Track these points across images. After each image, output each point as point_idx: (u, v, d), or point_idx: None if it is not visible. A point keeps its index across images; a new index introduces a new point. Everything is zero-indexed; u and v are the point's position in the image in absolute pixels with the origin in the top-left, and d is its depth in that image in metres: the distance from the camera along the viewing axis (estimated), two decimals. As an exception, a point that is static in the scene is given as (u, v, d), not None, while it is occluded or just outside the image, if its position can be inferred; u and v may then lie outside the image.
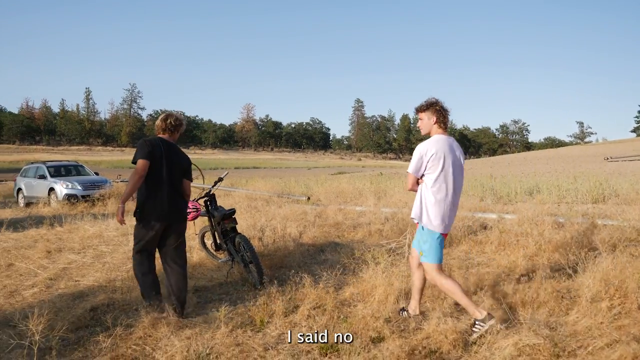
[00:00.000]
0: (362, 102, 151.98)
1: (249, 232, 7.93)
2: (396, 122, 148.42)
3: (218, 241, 6.53)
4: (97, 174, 19.17)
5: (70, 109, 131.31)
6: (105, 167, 55.17)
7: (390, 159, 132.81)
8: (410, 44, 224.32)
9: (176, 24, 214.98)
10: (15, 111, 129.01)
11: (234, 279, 6.05)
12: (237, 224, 6.28)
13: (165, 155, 4.75)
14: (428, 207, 4.23)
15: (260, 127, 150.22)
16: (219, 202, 7.04)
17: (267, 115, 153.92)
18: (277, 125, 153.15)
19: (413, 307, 4.57)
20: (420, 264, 4.44)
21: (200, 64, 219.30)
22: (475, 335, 3.95)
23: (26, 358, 3.71)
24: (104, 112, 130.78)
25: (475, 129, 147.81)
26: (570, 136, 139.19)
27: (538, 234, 6.93)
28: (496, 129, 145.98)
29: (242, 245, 5.86)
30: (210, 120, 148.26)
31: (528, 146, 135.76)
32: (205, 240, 7.12)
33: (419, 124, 4.52)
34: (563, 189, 13.30)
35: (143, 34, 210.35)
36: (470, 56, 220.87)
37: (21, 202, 18.22)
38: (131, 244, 7.63)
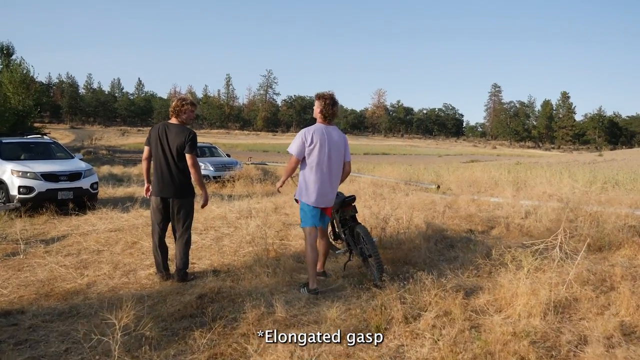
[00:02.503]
0: (499, 87, 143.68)
1: (372, 221, 7.32)
2: (536, 109, 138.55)
3: (337, 230, 6.03)
4: (228, 155, 19.71)
5: (212, 95, 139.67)
6: (240, 150, 57.75)
7: (529, 147, 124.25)
8: (552, 28, 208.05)
9: (308, 8, 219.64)
10: (165, 96, 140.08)
11: (351, 272, 5.50)
12: (357, 212, 5.69)
13: (160, 138, 5.32)
14: (308, 185, 4.96)
15: (390, 112, 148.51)
16: (341, 188, 6.51)
17: (398, 101, 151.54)
18: (408, 111, 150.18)
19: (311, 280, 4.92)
20: (323, 234, 5.34)
21: (333, 49, 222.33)
22: (301, 290, 4.89)
23: (120, 347, 3.42)
24: (242, 97, 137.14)
25: (628, 116, 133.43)
26: None
27: None
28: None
29: (361, 237, 5.27)
30: (341, 106, 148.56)
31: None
32: (324, 228, 6.64)
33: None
34: None
35: (278, 19, 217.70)
36: (620, 35, 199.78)
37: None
38: (249, 227, 7.48)
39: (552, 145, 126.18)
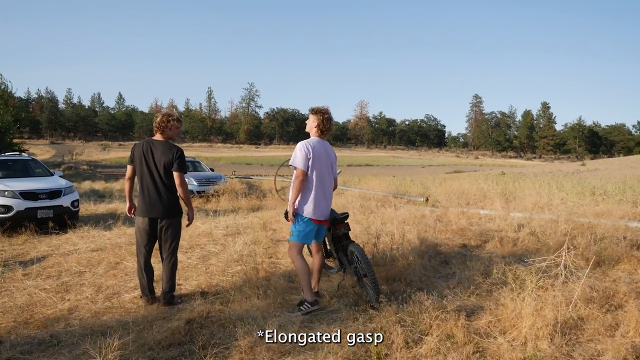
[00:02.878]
0: (480, 98, 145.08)
1: (363, 237, 7.15)
2: (517, 119, 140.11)
3: (328, 247, 5.82)
4: (212, 169, 19.42)
5: (194, 108, 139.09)
6: (223, 163, 57.27)
7: (510, 157, 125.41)
8: (532, 38, 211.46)
9: (290, 21, 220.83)
10: (146, 110, 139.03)
11: (345, 292, 5.29)
12: (350, 230, 5.50)
13: (145, 155, 5.06)
14: (307, 198, 4.89)
15: (373, 124, 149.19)
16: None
17: (380, 112, 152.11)
18: (391, 122, 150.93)
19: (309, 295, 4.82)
20: (319, 249, 5.32)
21: (315, 61, 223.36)
22: (299, 313, 4.66)
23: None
24: (224, 110, 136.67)
25: (607, 126, 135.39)
26: None
27: None
28: (633, 126, 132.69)
29: (355, 255, 5.07)
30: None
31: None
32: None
33: (307, 122, 5.13)
34: None
35: (260, 32, 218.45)
36: (598, 45, 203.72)
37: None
38: (236, 245, 7.25)
39: (534, 155, 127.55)
